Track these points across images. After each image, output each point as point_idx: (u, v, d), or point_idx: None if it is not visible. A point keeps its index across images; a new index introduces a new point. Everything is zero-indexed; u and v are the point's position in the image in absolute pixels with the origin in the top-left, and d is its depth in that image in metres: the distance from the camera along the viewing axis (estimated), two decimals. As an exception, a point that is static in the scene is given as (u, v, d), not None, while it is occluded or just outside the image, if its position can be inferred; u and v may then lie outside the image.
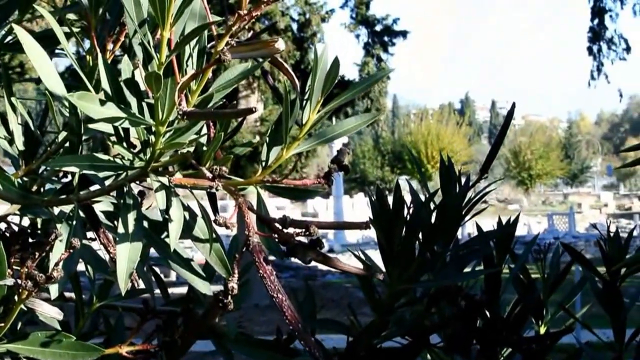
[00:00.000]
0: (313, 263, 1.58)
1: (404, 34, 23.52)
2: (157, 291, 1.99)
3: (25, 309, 1.41)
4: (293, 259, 1.55)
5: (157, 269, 2.22)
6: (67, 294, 1.92)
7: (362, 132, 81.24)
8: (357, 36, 23.49)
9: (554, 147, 78.01)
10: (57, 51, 1.90)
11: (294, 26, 21.71)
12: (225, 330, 1.92)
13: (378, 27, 23.34)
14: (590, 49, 27.01)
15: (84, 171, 1.48)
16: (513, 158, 75.84)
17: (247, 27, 1.45)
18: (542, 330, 2.30)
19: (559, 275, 2.35)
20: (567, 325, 2.20)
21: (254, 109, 1.42)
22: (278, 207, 40.48)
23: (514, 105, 2.10)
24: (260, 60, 1.56)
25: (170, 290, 2.15)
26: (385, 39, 23.39)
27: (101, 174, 1.53)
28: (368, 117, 1.65)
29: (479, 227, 2.09)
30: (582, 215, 53.52)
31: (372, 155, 73.14)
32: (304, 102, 1.59)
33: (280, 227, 1.54)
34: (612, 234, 2.28)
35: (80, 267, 1.64)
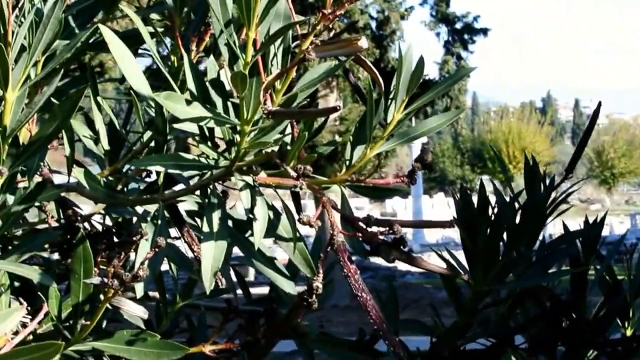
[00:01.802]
0: (392, 264, 1.57)
1: (484, 31, 23.35)
2: (239, 291, 2.00)
3: (110, 307, 1.42)
4: (372, 259, 1.54)
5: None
6: (149, 293, 1.93)
7: (441, 131, 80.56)
8: (437, 34, 23.39)
9: (637, 145, 76.48)
10: (138, 51, 1.92)
11: (373, 24, 21.67)
12: (307, 330, 1.92)
13: (458, 25, 23.21)
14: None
15: (169, 170, 1.49)
16: (596, 158, 74.47)
17: (328, 26, 1.45)
18: (629, 332, 2.26)
19: (645, 277, 2.30)
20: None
21: (338, 108, 1.42)
22: (357, 207, 40.35)
23: (599, 104, 2.07)
24: (343, 59, 1.55)
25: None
26: (466, 36, 23.26)
27: (186, 173, 1.54)
28: (450, 115, 1.65)
29: (565, 227, 2.06)
30: (665, 215, 52.46)
31: (451, 153, 72.32)
32: (388, 101, 1.58)
33: (364, 226, 1.54)
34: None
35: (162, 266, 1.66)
